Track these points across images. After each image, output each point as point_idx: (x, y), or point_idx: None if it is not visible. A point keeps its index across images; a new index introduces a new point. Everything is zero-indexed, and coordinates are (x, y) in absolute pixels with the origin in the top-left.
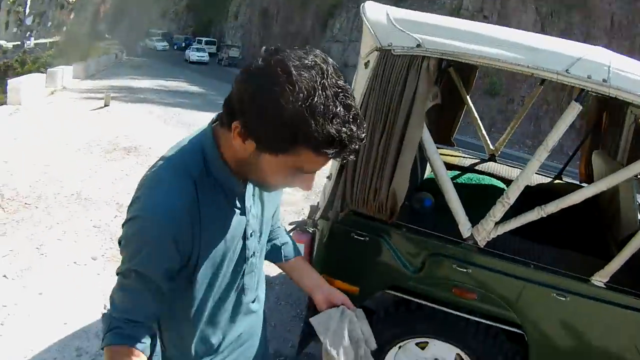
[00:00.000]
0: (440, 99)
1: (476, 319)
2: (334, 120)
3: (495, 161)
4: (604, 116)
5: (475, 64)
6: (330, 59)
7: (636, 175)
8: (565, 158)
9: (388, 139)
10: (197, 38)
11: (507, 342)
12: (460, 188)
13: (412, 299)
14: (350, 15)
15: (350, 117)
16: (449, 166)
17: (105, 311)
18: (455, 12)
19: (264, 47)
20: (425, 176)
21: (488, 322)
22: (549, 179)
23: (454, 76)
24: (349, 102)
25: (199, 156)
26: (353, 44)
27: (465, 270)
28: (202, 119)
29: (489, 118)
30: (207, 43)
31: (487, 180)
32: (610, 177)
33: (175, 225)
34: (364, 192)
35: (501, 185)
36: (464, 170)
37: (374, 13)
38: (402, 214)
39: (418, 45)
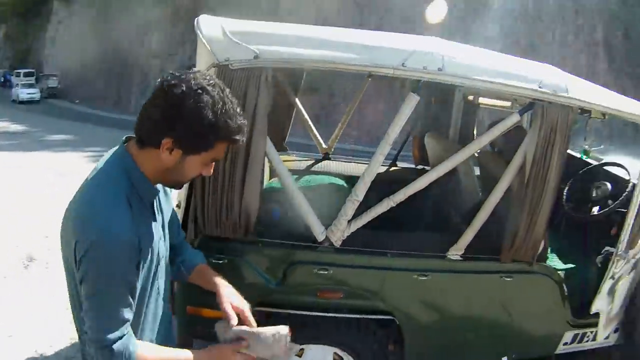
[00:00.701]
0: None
1: (344, 315)
2: (238, 117)
3: (330, 159)
4: (432, 100)
5: (315, 68)
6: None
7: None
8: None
9: (233, 156)
10: (15, 70)
11: (380, 329)
12: (302, 192)
13: (279, 310)
14: (167, 28)
15: (240, 111)
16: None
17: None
18: (273, 13)
19: (164, 74)
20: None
21: (357, 316)
22: (385, 167)
23: (282, 80)
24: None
25: (124, 178)
26: (171, 57)
27: (326, 272)
28: (32, 160)
29: (312, 115)
30: (25, 75)
31: (327, 179)
32: (451, 159)
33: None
34: (215, 214)
35: (341, 182)
36: (302, 173)
37: (209, 28)
38: (256, 232)
39: (256, 57)
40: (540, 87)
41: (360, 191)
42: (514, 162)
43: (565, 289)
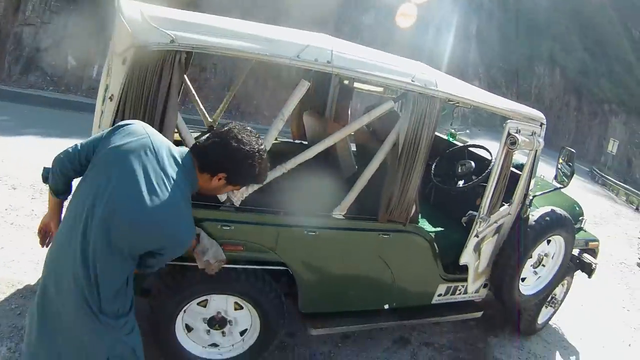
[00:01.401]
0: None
1: (244, 267)
2: (267, 171)
3: None
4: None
5: (222, 54)
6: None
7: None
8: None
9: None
10: None
11: (273, 280)
12: None
13: (189, 263)
14: None
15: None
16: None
17: None
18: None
19: (235, 126)
20: None
21: (255, 267)
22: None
23: None
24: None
25: (190, 187)
26: (45, 26)
27: (228, 228)
28: None
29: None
30: None
31: None
32: (335, 135)
33: None
34: None
35: None
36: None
37: (129, 10)
38: None
39: (172, 41)
40: (412, 81)
41: None
42: (388, 140)
43: (436, 247)
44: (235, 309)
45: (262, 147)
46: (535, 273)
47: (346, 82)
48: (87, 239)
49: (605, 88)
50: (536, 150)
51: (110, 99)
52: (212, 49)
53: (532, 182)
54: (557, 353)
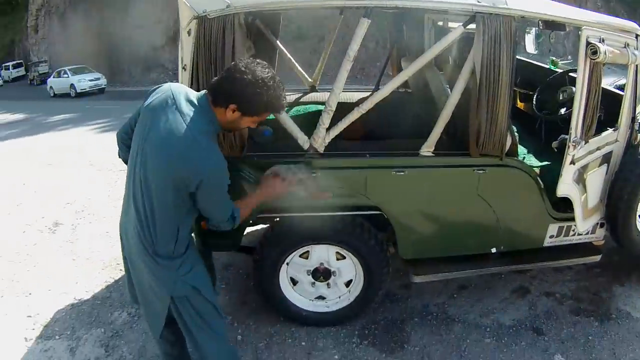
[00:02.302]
0: (254, 49)
1: (336, 213)
2: (281, 97)
3: (317, 90)
4: (404, 27)
5: (280, 11)
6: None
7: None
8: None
9: None
10: (2, 65)
11: (372, 226)
12: (293, 119)
13: (281, 215)
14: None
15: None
16: None
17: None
18: None
19: (239, 62)
20: None
21: (346, 213)
22: (368, 93)
23: (262, 27)
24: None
25: (209, 123)
26: (156, 26)
27: (314, 174)
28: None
29: (304, 59)
30: (14, 67)
31: (313, 107)
32: (405, 71)
33: None
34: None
35: None
36: (291, 105)
37: None
38: (250, 149)
39: (228, 6)
40: (479, 2)
41: (332, 101)
42: (465, 68)
43: (542, 183)
44: (338, 259)
45: (268, 74)
46: None
47: (440, 23)
48: (137, 188)
49: None
50: (637, 66)
51: (184, 68)
52: (267, 7)
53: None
54: None
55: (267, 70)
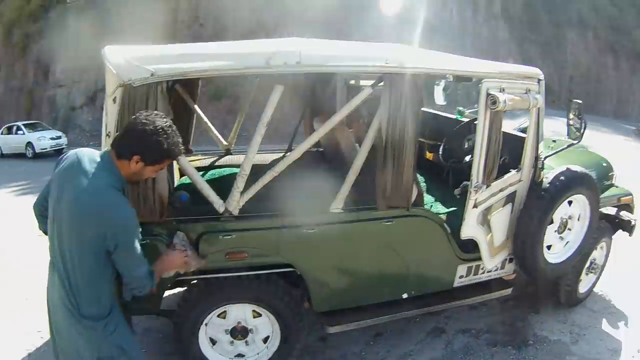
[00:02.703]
0: (172, 114)
1: (250, 273)
2: (179, 145)
3: (231, 153)
4: (316, 88)
5: (200, 77)
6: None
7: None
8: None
9: None
10: None
11: (287, 283)
12: (209, 183)
13: (197, 277)
14: (70, 58)
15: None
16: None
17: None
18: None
19: (138, 114)
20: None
21: (261, 272)
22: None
23: (181, 91)
24: None
25: (114, 177)
26: (77, 85)
27: (230, 236)
28: None
29: (221, 119)
30: None
31: (228, 171)
32: (324, 126)
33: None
34: (133, 202)
35: None
36: (207, 169)
37: (114, 55)
38: (169, 213)
39: (152, 75)
40: (386, 63)
41: (246, 166)
42: (372, 126)
43: (448, 228)
44: (254, 317)
45: (167, 123)
46: (562, 239)
47: (352, 82)
48: (57, 255)
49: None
50: (538, 109)
51: (108, 135)
52: (188, 74)
53: (541, 143)
54: (604, 321)
55: (165, 119)
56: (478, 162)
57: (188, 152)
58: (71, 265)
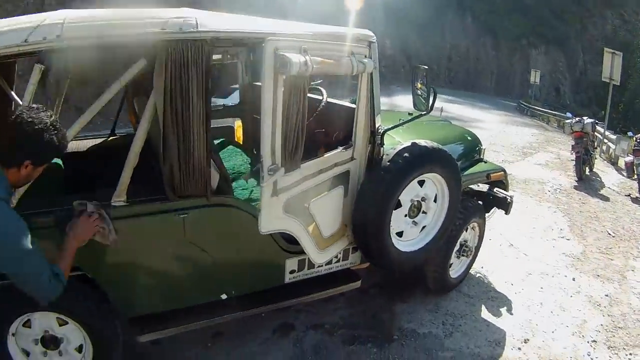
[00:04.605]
0: None
1: None
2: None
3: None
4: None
5: None
6: None
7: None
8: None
9: None
10: None
11: (86, 286)
12: None
13: None
14: None
15: None
16: None
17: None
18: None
19: (20, 110)
20: None
21: None
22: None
23: None
24: None
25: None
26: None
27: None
28: None
29: (82, 106)
30: None
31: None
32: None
33: None
34: None
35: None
36: None
37: None
38: None
39: None
40: (164, 29)
41: None
42: (148, 105)
43: None
44: (61, 325)
45: (52, 117)
46: (415, 223)
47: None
48: None
49: (520, 23)
50: (370, 75)
51: None
52: None
53: (378, 116)
54: (483, 308)
55: (48, 112)
56: (270, 140)
57: None
58: None
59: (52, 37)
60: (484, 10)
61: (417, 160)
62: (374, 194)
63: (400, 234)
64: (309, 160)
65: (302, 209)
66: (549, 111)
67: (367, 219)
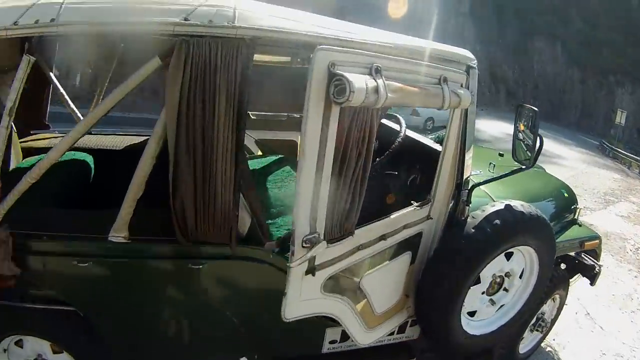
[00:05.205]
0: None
1: (21, 304)
2: None
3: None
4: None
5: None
6: None
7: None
8: None
9: None
10: None
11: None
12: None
13: None
14: None
15: None
16: (42, 150)
17: None
18: None
19: None
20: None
21: (41, 306)
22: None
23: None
24: None
25: None
26: None
27: None
28: None
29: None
30: None
31: (70, 155)
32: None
33: None
34: None
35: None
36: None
37: None
38: None
39: None
40: (186, 19)
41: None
42: (158, 123)
43: None
44: (55, 352)
45: None
46: (493, 302)
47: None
48: None
49: (608, 59)
50: (465, 111)
51: None
52: None
53: (468, 162)
54: None
55: None
56: (312, 199)
57: (44, 127)
58: None
59: (45, 20)
60: (575, 41)
61: (510, 231)
62: (451, 266)
63: (472, 314)
64: (368, 224)
65: (349, 285)
66: (632, 156)
67: (436, 296)
